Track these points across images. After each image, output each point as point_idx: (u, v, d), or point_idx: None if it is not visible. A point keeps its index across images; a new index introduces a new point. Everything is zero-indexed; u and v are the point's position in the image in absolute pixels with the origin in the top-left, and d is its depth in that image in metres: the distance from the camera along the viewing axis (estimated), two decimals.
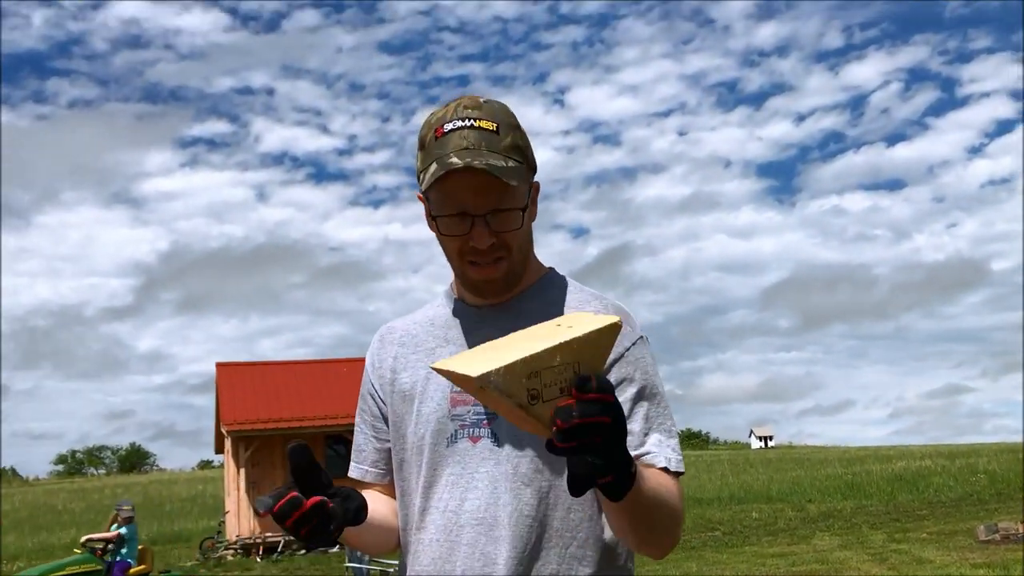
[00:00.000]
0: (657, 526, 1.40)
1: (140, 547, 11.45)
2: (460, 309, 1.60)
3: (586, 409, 1.05)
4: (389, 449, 1.62)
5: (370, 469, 1.64)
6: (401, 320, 1.69)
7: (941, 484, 24.95)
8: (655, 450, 1.47)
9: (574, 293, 1.58)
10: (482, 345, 1.24)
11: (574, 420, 1.04)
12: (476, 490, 1.47)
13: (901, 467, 31.43)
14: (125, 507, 11.77)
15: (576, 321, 1.18)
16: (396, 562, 10.15)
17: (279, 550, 18.85)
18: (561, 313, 1.53)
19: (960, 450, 43.09)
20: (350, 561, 9.42)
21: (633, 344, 1.51)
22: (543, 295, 1.58)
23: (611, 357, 1.48)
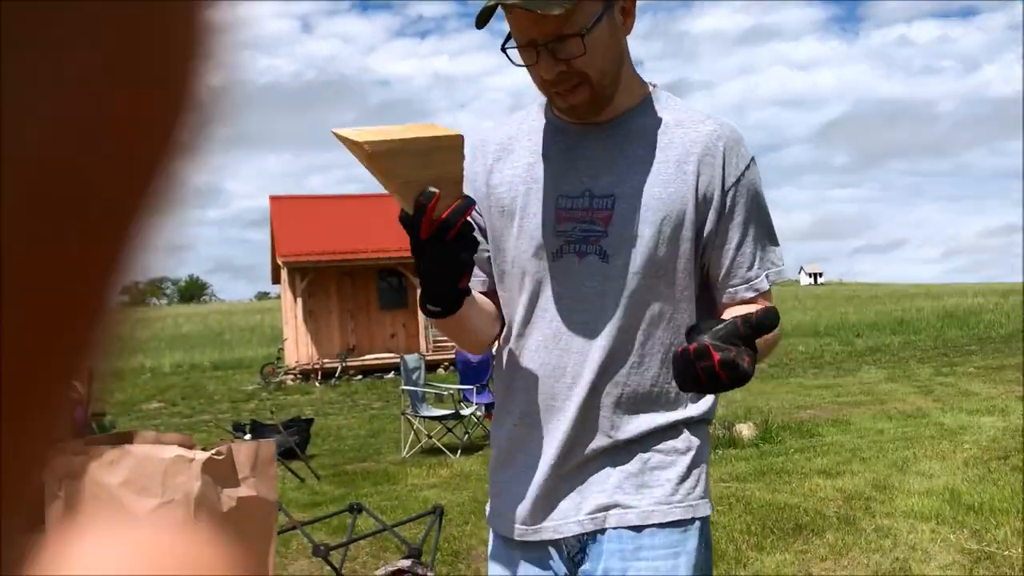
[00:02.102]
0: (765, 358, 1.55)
1: None
2: (560, 125, 1.58)
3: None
4: (488, 257, 1.64)
5: (475, 279, 1.64)
6: (493, 131, 1.67)
7: (992, 321, 24.91)
8: (763, 273, 1.57)
9: (684, 112, 1.57)
10: (376, 128, 1.35)
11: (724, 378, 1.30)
12: (585, 301, 1.52)
13: (952, 304, 31.36)
14: None
15: (428, 129, 1.34)
16: (451, 386, 10.53)
17: (336, 375, 19.60)
18: (668, 131, 1.54)
19: (1014, 288, 42.70)
20: (406, 384, 9.78)
21: (747, 168, 1.54)
22: (650, 114, 1.56)
23: (729, 182, 1.52)
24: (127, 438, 1.31)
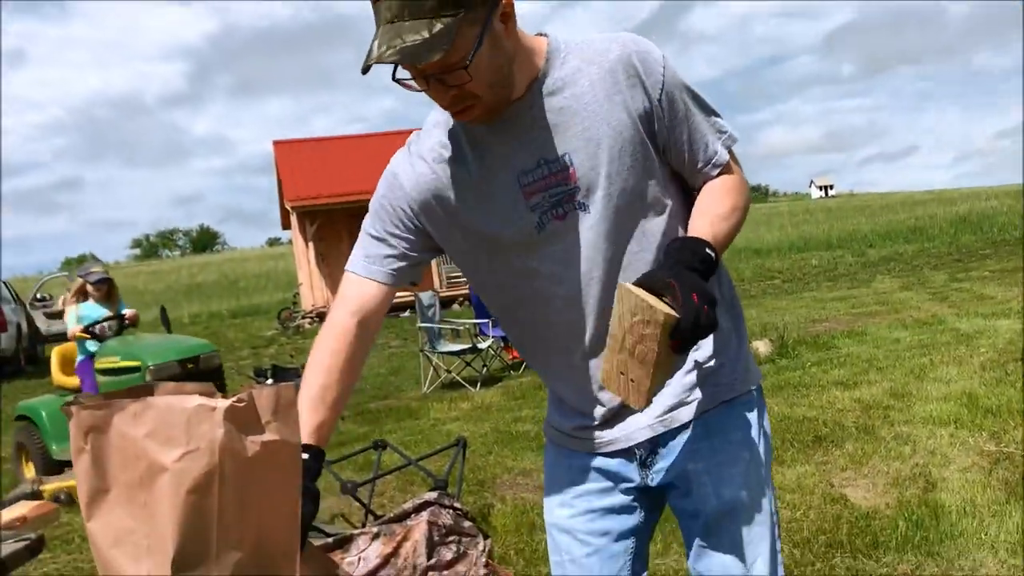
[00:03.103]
0: (739, 231, 1.64)
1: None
2: (474, 127, 1.59)
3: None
4: (411, 257, 1.66)
5: (380, 269, 1.65)
6: (426, 137, 1.65)
7: (1006, 223, 24.72)
8: (719, 148, 1.64)
9: (587, 50, 1.58)
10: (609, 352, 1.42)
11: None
12: (582, 254, 1.58)
13: (965, 209, 31.13)
14: (96, 269, 7.27)
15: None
16: (466, 321, 10.58)
17: None
18: (583, 74, 1.55)
19: None
20: (423, 321, 9.83)
21: (663, 68, 1.57)
22: (557, 67, 1.57)
23: (656, 91, 1.56)
24: (148, 390, 1.32)
